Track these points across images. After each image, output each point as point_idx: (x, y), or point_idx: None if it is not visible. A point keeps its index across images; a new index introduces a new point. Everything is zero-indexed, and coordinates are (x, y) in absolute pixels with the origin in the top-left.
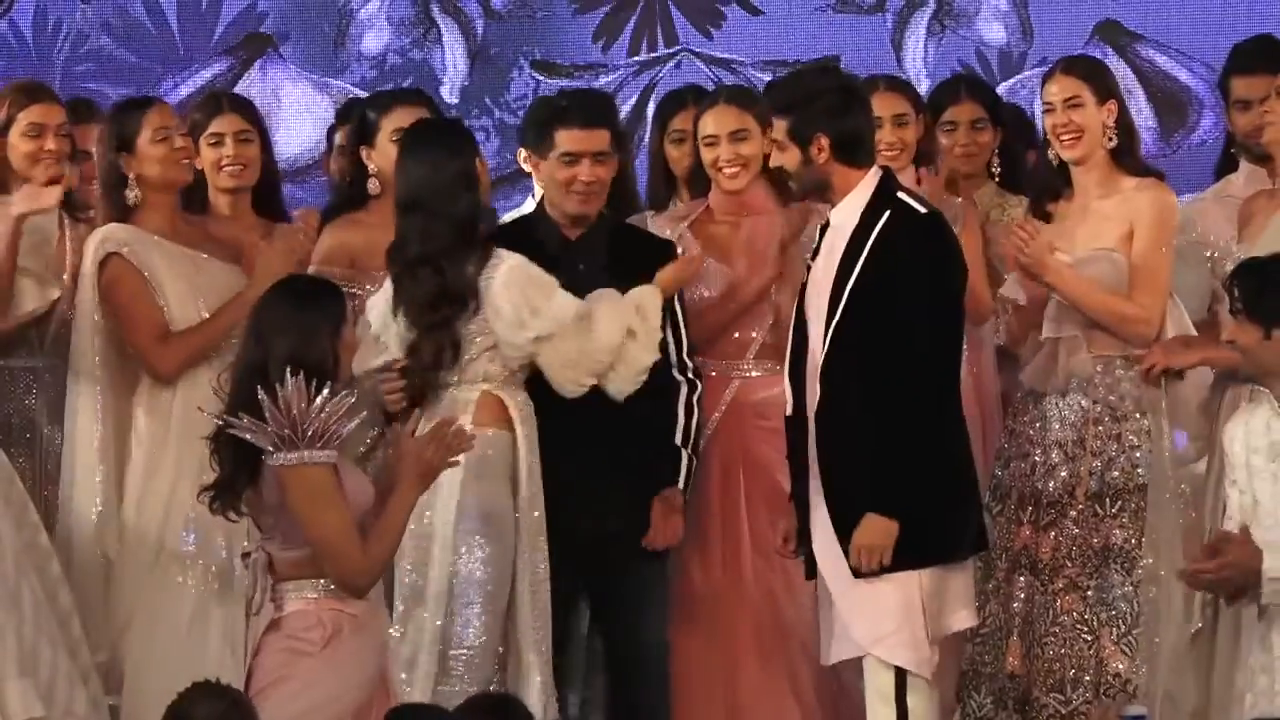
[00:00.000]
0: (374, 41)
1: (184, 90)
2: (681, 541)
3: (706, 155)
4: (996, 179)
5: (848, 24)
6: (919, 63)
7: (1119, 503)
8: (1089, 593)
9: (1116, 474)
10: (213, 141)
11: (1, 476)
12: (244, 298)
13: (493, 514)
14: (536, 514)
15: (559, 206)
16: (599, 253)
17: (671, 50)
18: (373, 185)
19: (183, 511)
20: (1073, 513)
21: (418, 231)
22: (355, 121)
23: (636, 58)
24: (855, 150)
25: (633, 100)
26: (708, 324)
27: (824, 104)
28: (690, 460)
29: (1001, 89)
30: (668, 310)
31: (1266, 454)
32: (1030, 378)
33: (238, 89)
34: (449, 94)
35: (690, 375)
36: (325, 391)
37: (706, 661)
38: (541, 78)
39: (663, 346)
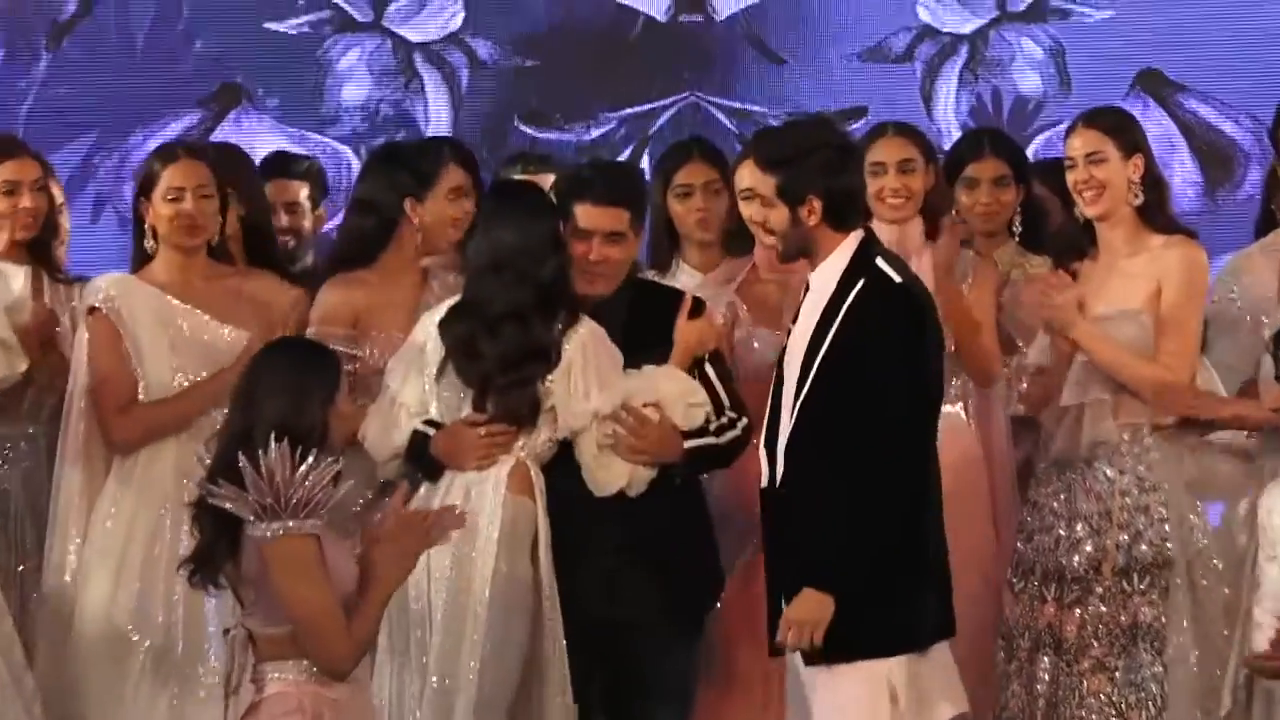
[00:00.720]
0: (354, 92)
1: (153, 144)
2: (724, 622)
3: (746, 211)
4: (1017, 238)
5: (875, 73)
6: (949, 114)
7: (1147, 578)
8: (1117, 673)
9: (1145, 548)
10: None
11: None
12: (221, 379)
13: (521, 583)
14: (552, 589)
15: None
16: (618, 314)
17: (675, 98)
18: (420, 240)
19: (131, 585)
20: (1099, 589)
21: (503, 291)
22: (405, 171)
23: (630, 109)
24: (846, 212)
25: (628, 152)
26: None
27: (818, 161)
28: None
29: (1037, 142)
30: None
31: None
32: (1059, 447)
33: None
34: None
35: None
36: (310, 459)
37: None
38: (528, 129)
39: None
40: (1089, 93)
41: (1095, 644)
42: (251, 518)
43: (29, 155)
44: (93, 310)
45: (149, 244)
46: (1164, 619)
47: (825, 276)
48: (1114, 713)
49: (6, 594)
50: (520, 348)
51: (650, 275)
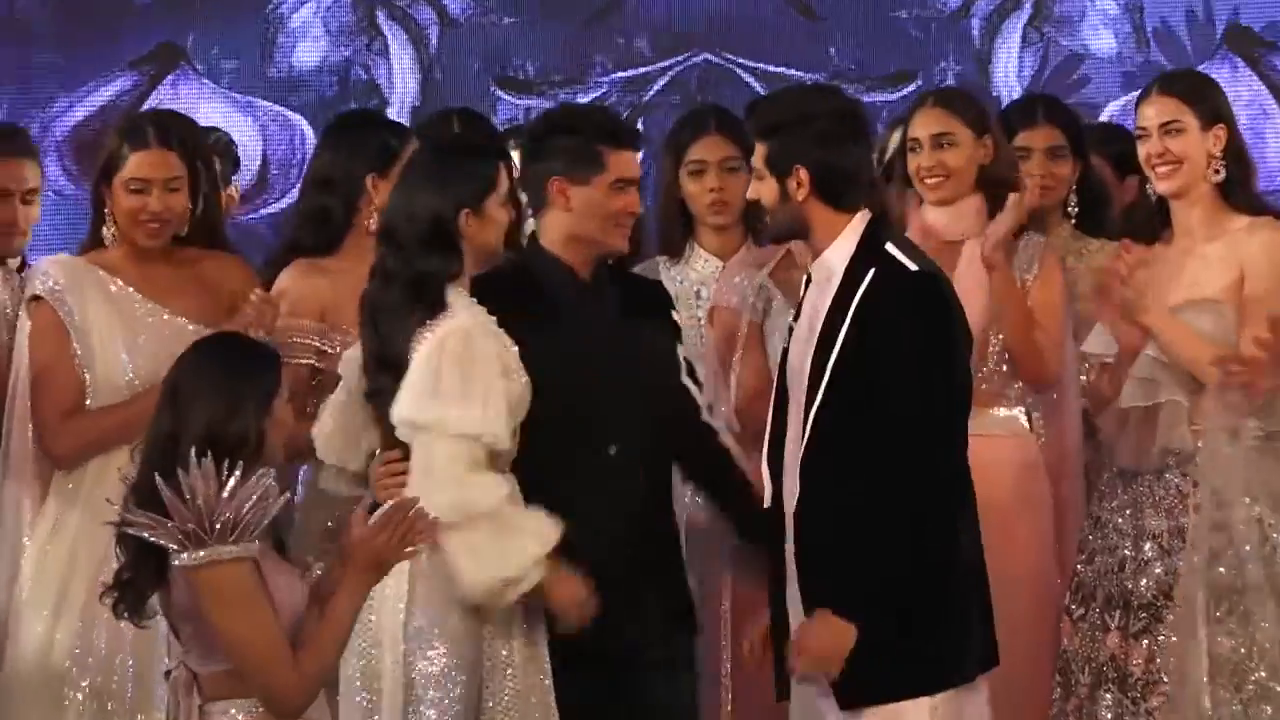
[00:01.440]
0: (308, 54)
1: (80, 112)
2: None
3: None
4: (1073, 219)
5: (925, 31)
6: (1012, 78)
7: (1225, 605)
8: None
9: (1222, 570)
10: None
11: None
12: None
13: (450, 610)
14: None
15: (598, 242)
16: (608, 298)
17: (675, 59)
18: (374, 223)
19: (71, 620)
20: (1170, 617)
21: (373, 276)
22: (369, 144)
23: (624, 72)
24: (842, 188)
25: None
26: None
27: (811, 130)
28: None
29: (1110, 109)
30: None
31: None
32: (1125, 454)
33: (145, 109)
34: (397, 114)
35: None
36: (238, 474)
37: None
38: (508, 96)
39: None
40: (1169, 53)
41: (1165, 679)
42: (175, 547)
43: None
44: (36, 299)
45: (108, 233)
46: (1244, 651)
47: (829, 265)
48: None
49: None
50: (373, 355)
51: (662, 261)
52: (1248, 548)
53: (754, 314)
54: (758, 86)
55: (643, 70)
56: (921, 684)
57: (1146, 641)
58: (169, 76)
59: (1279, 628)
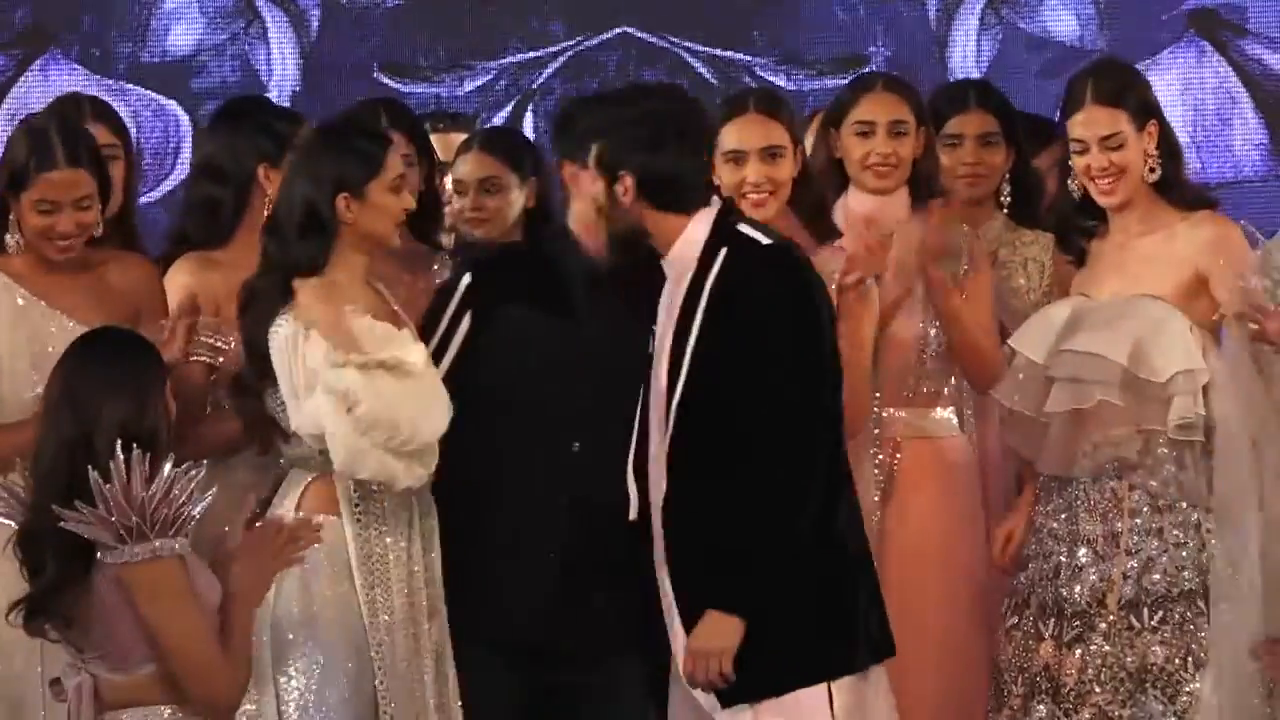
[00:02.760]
0: (183, 37)
1: None
2: None
3: (729, 176)
4: (1005, 209)
5: (880, 14)
6: (969, 61)
7: (1160, 613)
8: None
9: (1157, 577)
10: None
11: None
12: None
13: (320, 621)
14: (389, 616)
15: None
16: (617, 292)
17: (597, 36)
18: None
19: None
20: (1103, 625)
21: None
22: (260, 132)
23: (513, 56)
24: (668, 194)
25: (509, 110)
26: None
27: (634, 133)
28: None
29: None
30: None
31: None
32: (1049, 462)
33: (12, 95)
34: (275, 100)
35: None
36: (170, 468)
37: None
38: (393, 82)
39: None
40: (1132, 36)
41: (1097, 689)
42: (114, 543)
43: None
44: None
45: (13, 240)
46: (1177, 660)
47: (680, 258)
48: None
49: None
50: (244, 343)
51: None
52: (1184, 553)
53: None
54: (706, 72)
55: (533, 54)
56: (809, 674)
57: (1080, 651)
58: (38, 61)
59: (1219, 632)
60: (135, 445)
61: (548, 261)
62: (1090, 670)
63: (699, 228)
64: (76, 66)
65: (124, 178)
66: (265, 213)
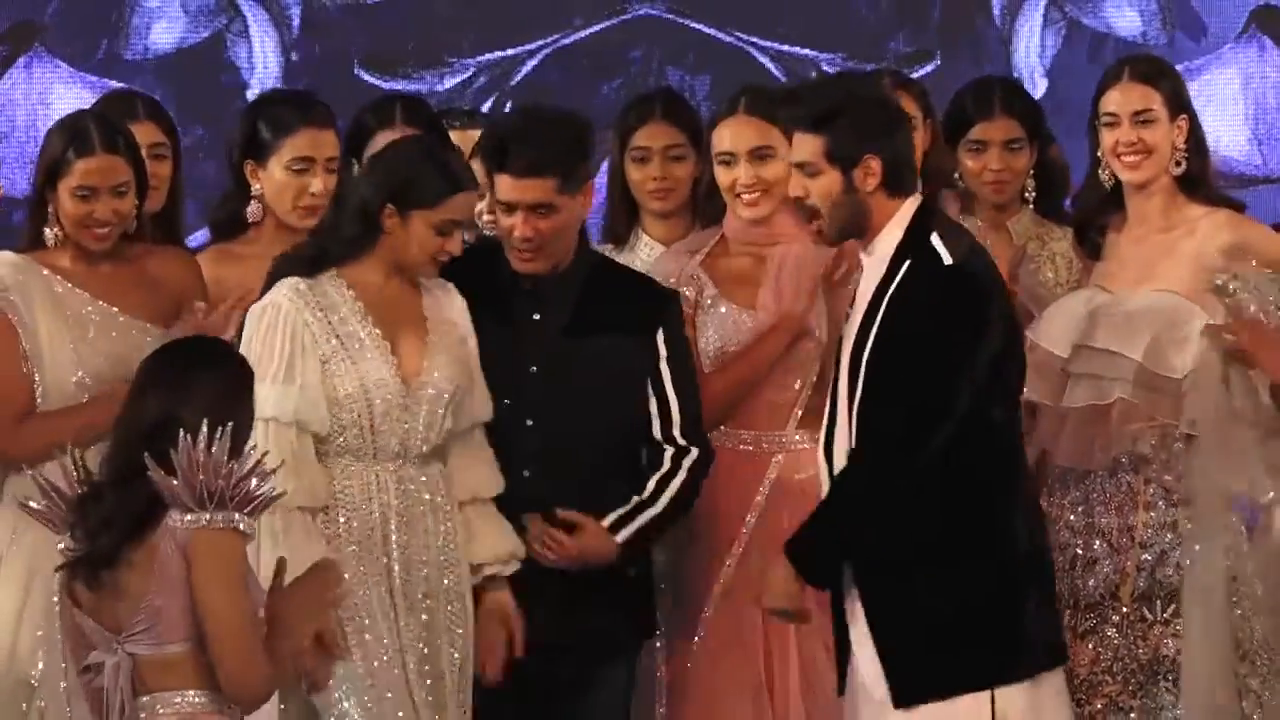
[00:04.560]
0: (166, 35)
1: None
2: (707, 642)
3: (723, 177)
4: (1032, 204)
5: (939, 10)
6: (1033, 57)
7: (1172, 606)
8: (1133, 714)
9: (1170, 571)
10: None
11: None
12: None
13: None
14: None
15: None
16: (570, 294)
17: (552, 38)
18: (253, 210)
19: (34, 626)
20: (1115, 617)
21: None
22: (244, 129)
23: (493, 54)
24: (903, 176)
25: (489, 106)
26: (730, 384)
27: (875, 117)
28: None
29: None
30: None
31: None
32: (1066, 454)
33: None
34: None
35: (685, 444)
36: (255, 452)
37: None
38: (373, 78)
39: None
40: (1195, 32)
41: (1109, 680)
42: (192, 504)
43: None
44: None
45: (50, 233)
46: None
47: (880, 253)
48: None
49: None
50: None
51: (606, 249)
52: (1198, 548)
53: (685, 305)
54: (772, 67)
55: (511, 51)
56: (974, 679)
57: (1092, 643)
58: (22, 57)
59: (1221, 629)
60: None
61: (482, 264)
62: (1103, 661)
63: (897, 228)
64: (60, 63)
65: (171, 175)
66: (249, 210)
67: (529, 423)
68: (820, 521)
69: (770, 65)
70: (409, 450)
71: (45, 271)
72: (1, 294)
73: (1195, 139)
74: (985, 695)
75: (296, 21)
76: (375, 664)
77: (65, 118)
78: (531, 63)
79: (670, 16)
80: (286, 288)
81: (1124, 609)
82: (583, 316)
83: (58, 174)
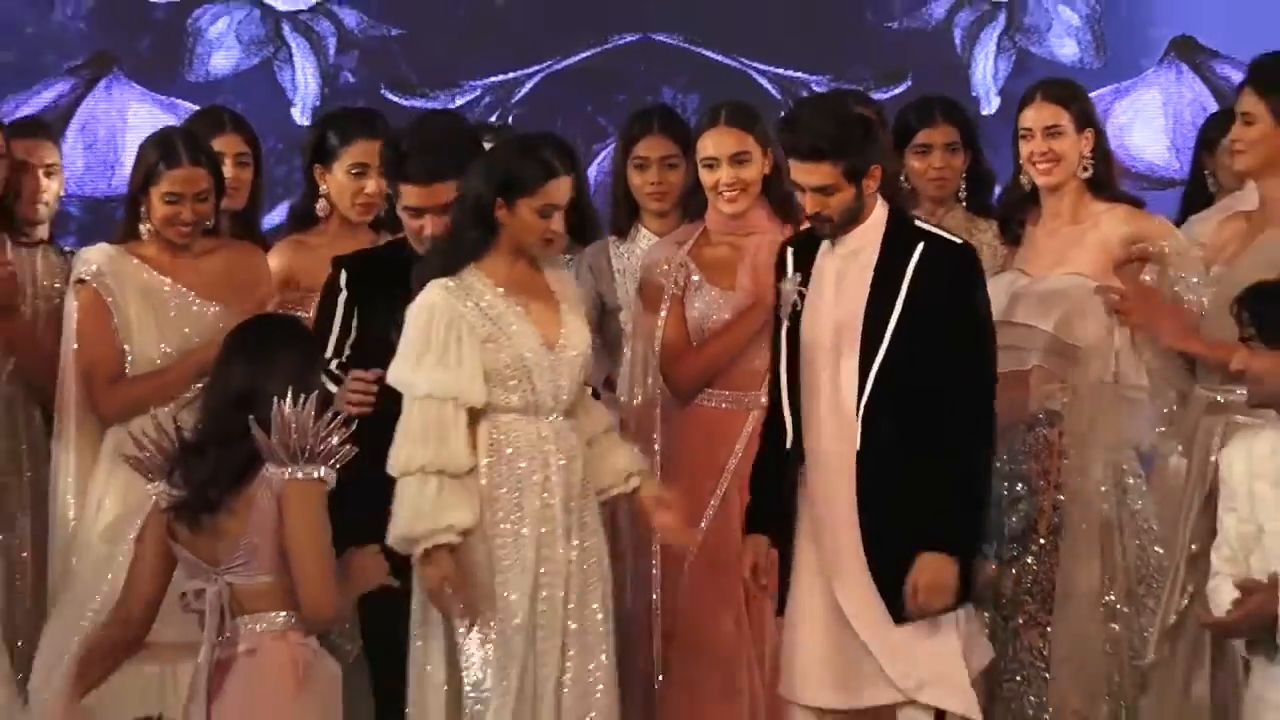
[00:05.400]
0: (223, 60)
1: (24, 112)
2: (698, 591)
3: (706, 178)
4: (964, 203)
5: (912, 40)
6: (988, 79)
7: (1084, 540)
8: (1049, 628)
9: (1080, 508)
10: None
11: None
12: (207, 351)
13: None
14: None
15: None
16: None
17: (540, 66)
18: (321, 206)
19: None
20: (1034, 548)
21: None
22: (314, 139)
23: (495, 77)
24: (893, 179)
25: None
26: (714, 353)
27: (871, 134)
28: None
29: None
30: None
31: (1273, 482)
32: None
33: (82, 109)
34: (300, 115)
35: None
36: (332, 414)
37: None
38: (397, 98)
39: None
40: (1121, 59)
41: (1029, 600)
42: (285, 459)
43: None
44: (81, 282)
45: (145, 229)
46: (1099, 578)
47: (862, 239)
48: (1044, 666)
49: None
50: None
51: (612, 240)
52: (1104, 489)
53: (675, 287)
54: (770, 89)
55: (511, 75)
56: (965, 597)
57: (1015, 569)
58: (102, 80)
59: (1131, 558)
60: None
61: (401, 259)
62: (1024, 584)
63: (880, 216)
64: (134, 85)
65: (253, 179)
66: (318, 205)
67: None
68: (965, 508)
69: (769, 86)
70: (559, 404)
71: (135, 260)
72: (99, 278)
73: (1100, 149)
74: (955, 614)
75: (332, 50)
76: (520, 599)
77: (157, 132)
78: (529, 84)
79: (659, 39)
80: (438, 288)
81: (1041, 540)
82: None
83: (150, 181)
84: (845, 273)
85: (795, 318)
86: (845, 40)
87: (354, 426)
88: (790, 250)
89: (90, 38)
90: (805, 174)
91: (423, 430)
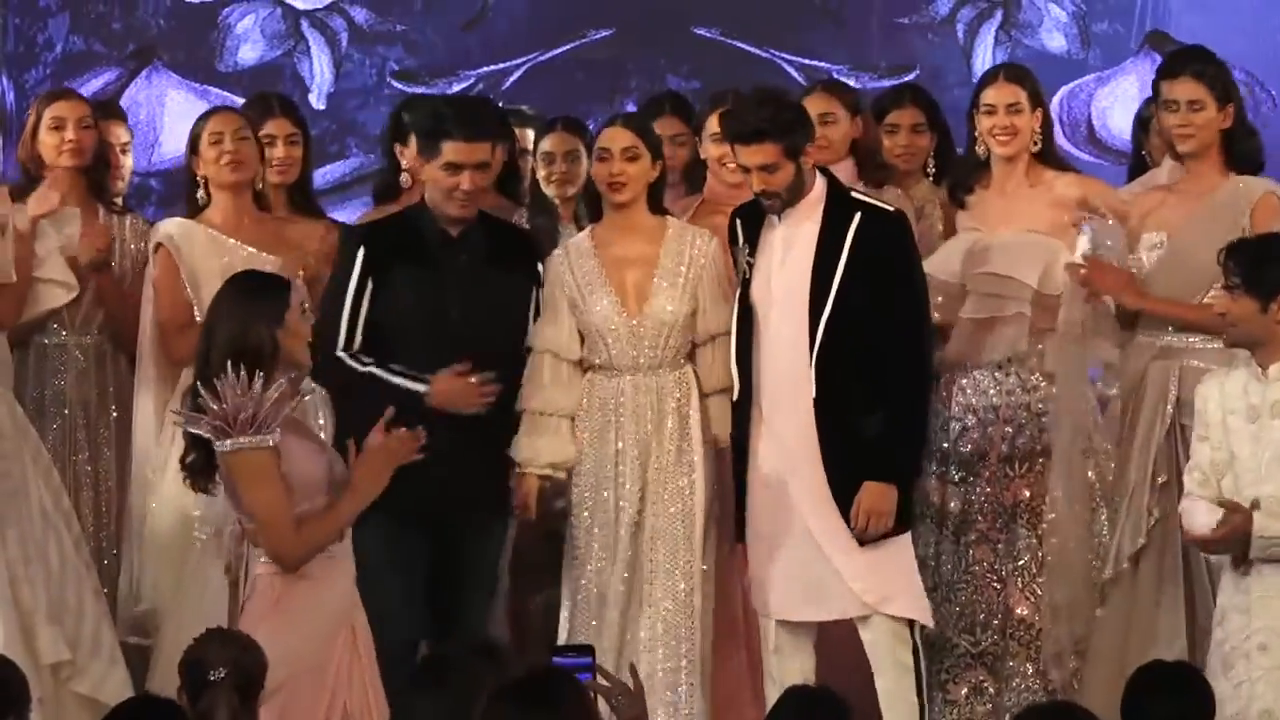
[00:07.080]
0: (248, 53)
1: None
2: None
3: (714, 151)
4: (930, 177)
5: (922, 35)
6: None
7: (1025, 464)
8: (999, 545)
9: (1023, 440)
10: (266, 142)
11: (30, 443)
12: None
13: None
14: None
15: (441, 209)
16: (480, 246)
17: (527, 57)
18: (405, 179)
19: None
20: (986, 473)
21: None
22: (393, 122)
23: (487, 67)
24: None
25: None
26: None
27: (804, 117)
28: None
29: (1060, 93)
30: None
31: (1245, 415)
32: (956, 354)
33: (126, 95)
34: (316, 101)
35: None
36: (259, 379)
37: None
38: (401, 86)
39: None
40: (1105, 51)
41: (980, 519)
42: (213, 436)
43: (76, 97)
44: (158, 248)
45: (201, 195)
46: (1038, 499)
47: (805, 211)
48: (994, 579)
49: (63, 477)
50: None
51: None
52: (1044, 420)
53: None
54: (799, 77)
55: (501, 65)
56: (911, 520)
57: (964, 489)
58: (144, 70)
59: (1063, 484)
60: (244, 358)
61: (414, 228)
62: (975, 505)
63: (819, 190)
64: (172, 74)
65: (303, 156)
66: (402, 178)
67: (454, 330)
68: (903, 443)
69: (796, 74)
70: (640, 364)
71: (202, 227)
72: (168, 239)
73: (1047, 126)
74: (907, 534)
75: (345, 43)
76: (599, 523)
77: (209, 109)
78: (516, 74)
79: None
80: (557, 252)
81: (992, 467)
82: (494, 260)
83: (196, 142)
84: (792, 241)
85: (745, 285)
86: (863, 34)
87: (285, 386)
88: (739, 221)
89: (133, 33)
90: (750, 155)
91: (537, 376)
